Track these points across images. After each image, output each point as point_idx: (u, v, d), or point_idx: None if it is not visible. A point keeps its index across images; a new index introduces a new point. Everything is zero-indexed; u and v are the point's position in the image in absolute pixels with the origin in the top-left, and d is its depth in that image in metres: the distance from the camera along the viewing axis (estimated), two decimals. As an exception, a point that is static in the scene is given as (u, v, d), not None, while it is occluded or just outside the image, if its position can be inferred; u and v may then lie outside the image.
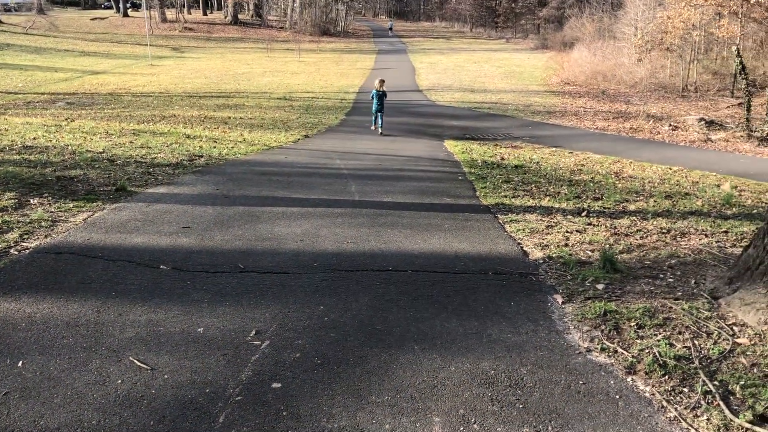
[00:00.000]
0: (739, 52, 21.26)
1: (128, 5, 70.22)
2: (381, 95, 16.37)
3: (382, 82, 16.69)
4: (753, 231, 6.82)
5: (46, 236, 5.85)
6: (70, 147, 11.03)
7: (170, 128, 14.89)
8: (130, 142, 12.13)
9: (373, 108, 16.59)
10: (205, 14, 73.27)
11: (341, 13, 73.18)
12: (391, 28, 76.69)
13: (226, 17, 68.30)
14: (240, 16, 68.40)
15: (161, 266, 5.17)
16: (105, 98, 22.23)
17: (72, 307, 4.35)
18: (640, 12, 33.43)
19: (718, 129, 19.69)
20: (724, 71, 29.86)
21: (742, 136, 18.37)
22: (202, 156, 10.90)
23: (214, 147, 12.10)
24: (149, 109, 19.21)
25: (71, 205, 6.99)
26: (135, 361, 3.68)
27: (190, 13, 73.17)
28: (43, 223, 6.21)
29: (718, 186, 10.54)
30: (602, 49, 35.72)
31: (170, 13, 65.45)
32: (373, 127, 16.81)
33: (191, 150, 11.51)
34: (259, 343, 3.93)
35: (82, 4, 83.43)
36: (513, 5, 76.49)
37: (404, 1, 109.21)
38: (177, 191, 7.97)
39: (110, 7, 74.04)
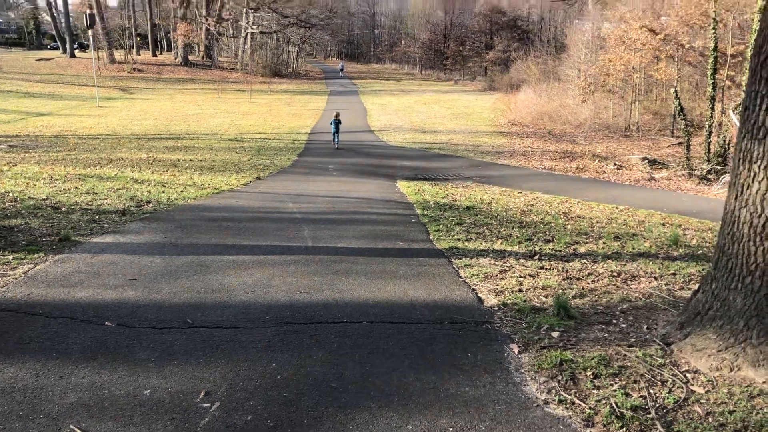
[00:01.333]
0: (677, 94, 22.15)
1: (75, 46, 69.37)
2: (337, 123, 23.35)
3: (338, 113, 23.96)
4: (700, 272, 6.98)
5: (-18, 292, 5.57)
6: (11, 194, 10.66)
7: (118, 172, 14.56)
8: (76, 187, 11.79)
9: (332, 131, 23.43)
10: (154, 55, 72.74)
11: (292, 55, 73.76)
12: (342, 69, 77.65)
13: (176, 58, 67.91)
14: (190, 58, 68.13)
15: (106, 323, 4.96)
16: (50, 141, 21.67)
17: (8, 371, 4.11)
18: (583, 55, 34.63)
19: (661, 168, 20.34)
20: (664, 112, 31.04)
21: (683, 175, 19.01)
22: (150, 201, 10.65)
23: (163, 191, 11.86)
24: (96, 152, 18.80)
25: (11, 257, 6.69)
26: (76, 429, 3.47)
27: (140, 54, 72.61)
28: (-21, 278, 5.92)
29: (663, 225, 10.82)
30: (547, 91, 36.78)
31: (119, 54, 64.77)
32: (333, 144, 23.24)
33: (139, 195, 11.25)
34: (209, 405, 3.77)
35: (28, 45, 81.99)
36: (461, 48, 78.50)
37: (355, 43, 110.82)
38: (123, 240, 7.73)
39: (57, 48, 72.93)
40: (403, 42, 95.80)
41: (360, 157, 20.89)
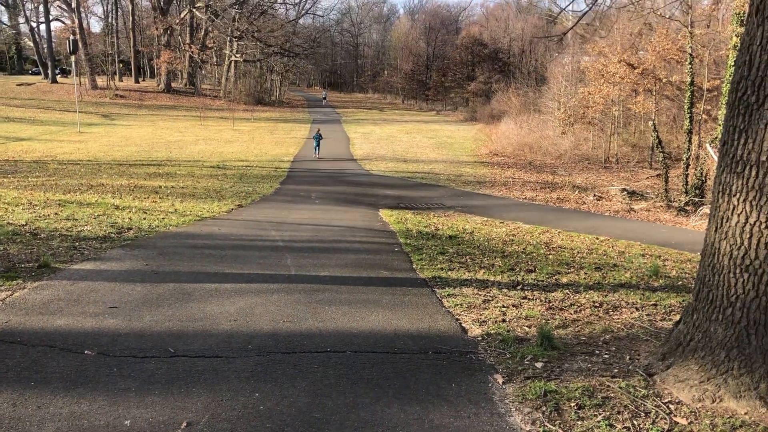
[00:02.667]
0: (655, 127, 22.57)
1: (57, 71, 69.14)
2: (319, 137, 29.03)
3: (319, 129, 31.09)
4: (680, 303, 7.05)
5: (-42, 319, 5.46)
6: (-12, 219, 10.51)
7: (98, 198, 14.45)
8: (55, 213, 11.67)
9: (314, 144, 28.64)
10: (137, 81, 72.76)
11: (276, 83, 74.13)
12: (324, 98, 78.22)
13: (159, 85, 67.98)
14: (173, 85, 68.24)
15: (86, 351, 4.88)
16: (29, 166, 21.50)
17: (-16, 401, 4.02)
18: (563, 87, 35.23)
19: (640, 199, 20.62)
20: (643, 144, 31.58)
21: (662, 206, 19.28)
22: (131, 228, 10.57)
23: (144, 218, 11.78)
24: (76, 178, 18.66)
25: (-12, 283, 6.58)
26: (53, 461, 3.40)
27: (122, 80, 72.62)
28: (-45, 305, 5.80)
29: (644, 256, 10.93)
30: (528, 122, 37.29)
31: (101, 80, 64.74)
32: (315, 155, 28.13)
33: (120, 222, 11.15)
34: (191, 436, 3.71)
35: (9, 70, 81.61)
36: (443, 79, 79.45)
37: (338, 72, 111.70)
38: (104, 267, 7.64)
39: (38, 73, 72.70)
40: (386, 72, 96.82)
41: (343, 186, 20.95)
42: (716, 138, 18.47)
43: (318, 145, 28.43)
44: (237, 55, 66.72)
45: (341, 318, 6.01)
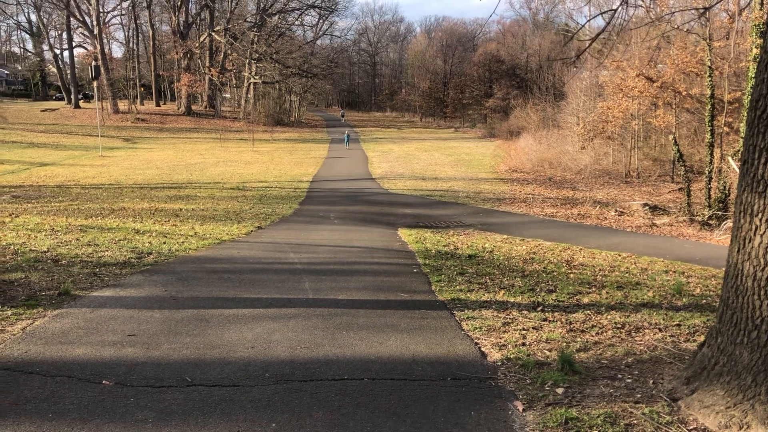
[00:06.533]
0: (676, 141, 22.35)
1: (80, 96, 70.42)
2: (348, 136, 41.78)
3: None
4: (705, 323, 6.91)
5: (-21, 350, 5.51)
6: (12, 246, 10.66)
7: (119, 223, 14.60)
8: (77, 239, 11.79)
9: (345, 140, 41.74)
10: (158, 105, 73.82)
11: (294, 104, 74.79)
12: (342, 116, 78.81)
13: (179, 108, 68.91)
14: (193, 107, 69.13)
15: (103, 381, 4.89)
16: (53, 191, 21.82)
17: (2, 434, 4.03)
18: (581, 102, 35.08)
19: (662, 214, 20.37)
20: (664, 158, 31.27)
21: (684, 221, 19.02)
22: (151, 253, 10.64)
23: (164, 242, 11.86)
24: (98, 202, 18.89)
25: (9, 312, 6.64)
26: (69, 496, 3.38)
27: (143, 104, 73.69)
28: (-24, 335, 5.86)
29: (667, 273, 10.76)
30: (547, 138, 37.14)
31: (123, 104, 65.75)
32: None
33: (140, 246, 11.24)
34: (207, 469, 3.68)
35: (34, 96, 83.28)
36: (460, 96, 79.59)
37: (356, 92, 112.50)
38: (123, 294, 7.69)
39: (62, 99, 74.06)
40: (403, 90, 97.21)
41: (361, 205, 20.97)
42: (738, 151, 18.23)
43: (348, 141, 45.46)
44: (256, 77, 67.49)
45: (359, 343, 5.96)
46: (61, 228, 13.21)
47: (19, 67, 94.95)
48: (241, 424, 4.24)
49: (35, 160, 33.26)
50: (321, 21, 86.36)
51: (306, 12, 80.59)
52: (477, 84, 79.32)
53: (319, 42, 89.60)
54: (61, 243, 11.26)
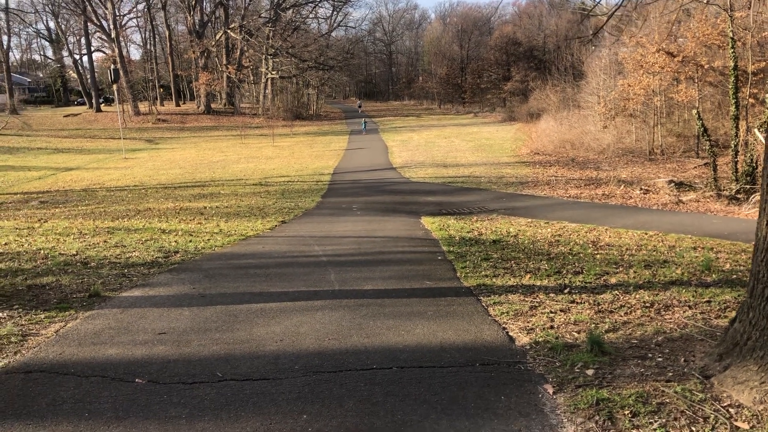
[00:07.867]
0: (699, 115, 21.96)
1: (101, 100, 71.24)
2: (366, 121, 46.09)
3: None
4: (735, 299, 6.81)
5: (15, 353, 5.63)
6: (42, 251, 10.85)
7: (145, 223, 14.78)
8: (104, 241, 11.97)
9: (363, 126, 45.92)
10: (178, 105, 74.41)
11: (312, 97, 74.85)
12: (360, 106, 78.79)
13: (199, 107, 69.39)
14: (213, 105, 69.57)
15: (137, 380, 4.97)
16: (79, 194, 22.15)
17: (41, 434, 4.12)
18: (602, 81, 34.61)
19: (688, 190, 20.06)
20: (688, 133, 30.75)
21: (711, 196, 18.71)
22: (177, 252, 10.76)
23: (190, 241, 11.98)
24: (124, 204, 19.14)
25: (43, 315, 6.78)
26: (108, 493, 3.45)
27: (163, 105, 74.34)
28: (12, 339, 5.99)
29: (695, 249, 10.61)
30: (568, 119, 36.73)
31: (143, 106, 66.42)
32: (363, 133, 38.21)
33: (167, 246, 11.37)
34: (241, 462, 3.73)
35: (56, 102, 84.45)
36: (478, 81, 78.94)
37: (373, 82, 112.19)
38: (152, 293, 7.79)
39: (83, 103, 75.05)
40: (420, 78, 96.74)
41: (383, 195, 20.96)
42: (765, 122, 17.84)
43: (365, 126, 48.83)
44: (273, 72, 67.65)
45: (386, 332, 5.98)
46: (88, 231, 13.41)
47: (41, 75, 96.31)
48: (272, 416, 4.28)
49: (61, 165, 33.76)
50: (335, 13, 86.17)
51: (320, 4, 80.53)
52: (494, 68, 78.55)
53: (334, 34, 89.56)
54: (90, 245, 11.43)
